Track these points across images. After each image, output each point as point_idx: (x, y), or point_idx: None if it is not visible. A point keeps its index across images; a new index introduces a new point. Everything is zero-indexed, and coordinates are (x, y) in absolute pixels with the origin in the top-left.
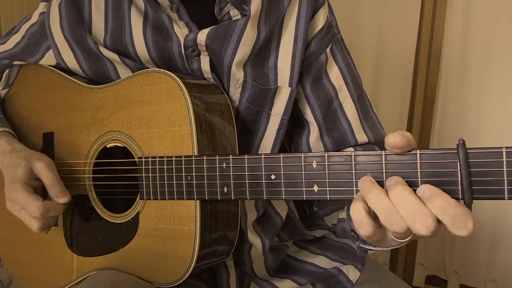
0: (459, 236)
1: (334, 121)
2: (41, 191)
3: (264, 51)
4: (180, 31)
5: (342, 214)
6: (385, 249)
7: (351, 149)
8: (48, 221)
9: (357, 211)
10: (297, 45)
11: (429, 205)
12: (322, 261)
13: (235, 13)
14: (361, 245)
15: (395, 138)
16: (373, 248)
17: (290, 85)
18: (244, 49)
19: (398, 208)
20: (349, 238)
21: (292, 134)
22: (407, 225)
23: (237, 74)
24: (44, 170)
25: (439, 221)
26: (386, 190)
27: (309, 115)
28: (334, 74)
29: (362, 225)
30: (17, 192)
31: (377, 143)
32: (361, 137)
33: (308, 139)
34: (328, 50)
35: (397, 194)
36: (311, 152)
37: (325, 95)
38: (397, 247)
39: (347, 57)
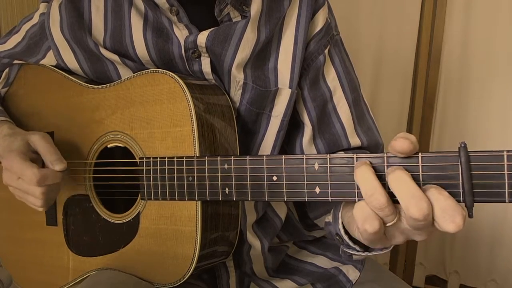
0: (448, 231)
1: (328, 124)
2: (39, 164)
3: (264, 53)
4: (180, 32)
5: (329, 218)
6: (369, 254)
7: (342, 153)
8: (48, 190)
9: (361, 208)
10: (297, 46)
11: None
12: (322, 261)
13: (235, 15)
14: (345, 250)
15: (402, 144)
16: (357, 253)
17: (290, 87)
18: (244, 51)
19: (395, 191)
20: (335, 241)
21: (288, 135)
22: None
23: (237, 76)
24: (39, 140)
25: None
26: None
27: (304, 117)
28: (331, 76)
29: (370, 220)
30: (13, 160)
31: (370, 147)
32: (355, 141)
33: (301, 140)
34: (326, 51)
35: (395, 177)
36: (304, 153)
37: (321, 97)
38: (386, 251)
39: (345, 59)
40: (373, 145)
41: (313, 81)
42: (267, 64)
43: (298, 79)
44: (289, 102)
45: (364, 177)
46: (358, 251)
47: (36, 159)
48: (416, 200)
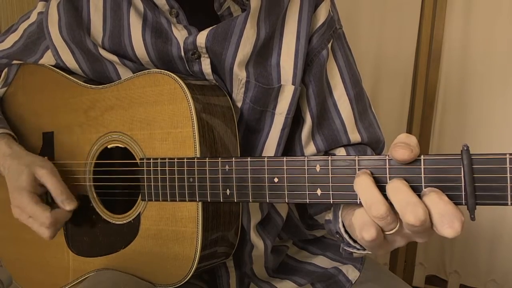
0: (446, 236)
1: (327, 120)
2: (46, 196)
3: (266, 50)
4: (179, 33)
5: (329, 215)
6: (369, 252)
7: (343, 149)
8: (57, 228)
9: (360, 215)
10: (300, 42)
11: (423, 198)
12: (322, 261)
13: (235, 9)
14: (345, 248)
15: (402, 155)
16: (357, 251)
17: (293, 83)
18: (245, 48)
19: (391, 199)
20: (334, 239)
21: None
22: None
23: (240, 75)
24: (47, 176)
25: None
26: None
27: (306, 113)
28: (333, 71)
29: (367, 228)
30: (24, 202)
31: (371, 143)
32: (354, 137)
33: (300, 136)
34: (329, 46)
35: (392, 187)
36: (303, 148)
37: (323, 93)
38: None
39: (347, 53)
40: (373, 142)
41: (317, 77)
42: (270, 61)
43: (302, 75)
44: (292, 98)
45: (363, 186)
46: (358, 249)
47: (43, 192)
48: (411, 206)
